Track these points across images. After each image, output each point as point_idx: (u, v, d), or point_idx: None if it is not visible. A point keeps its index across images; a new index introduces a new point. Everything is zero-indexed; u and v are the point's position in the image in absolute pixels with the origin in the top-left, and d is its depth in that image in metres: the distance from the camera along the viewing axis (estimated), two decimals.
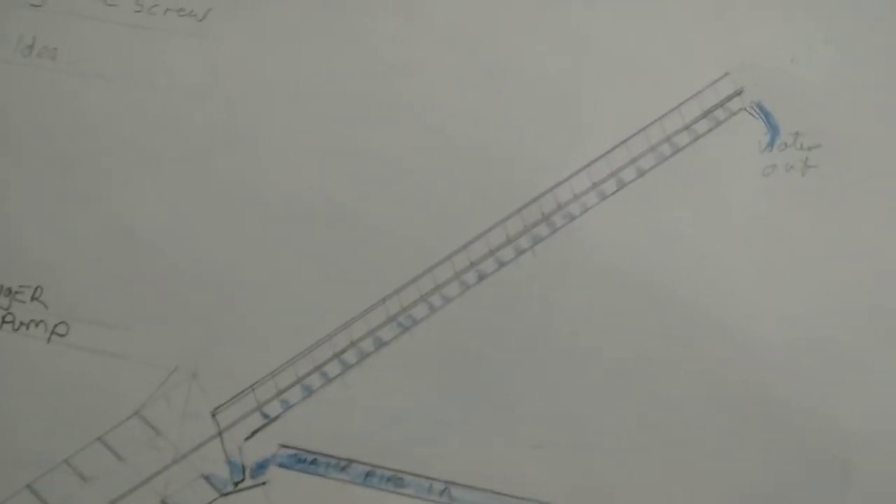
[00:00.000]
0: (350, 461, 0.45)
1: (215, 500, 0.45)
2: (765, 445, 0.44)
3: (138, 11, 0.49)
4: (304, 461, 0.45)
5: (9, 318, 0.47)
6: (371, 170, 0.47)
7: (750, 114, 0.47)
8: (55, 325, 0.47)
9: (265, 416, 0.46)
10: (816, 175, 0.46)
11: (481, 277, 0.46)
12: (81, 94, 0.49)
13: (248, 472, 0.45)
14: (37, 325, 0.47)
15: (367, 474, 0.45)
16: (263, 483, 0.45)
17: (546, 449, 0.45)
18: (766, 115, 0.47)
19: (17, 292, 0.48)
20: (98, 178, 0.48)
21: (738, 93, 0.47)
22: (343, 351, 0.46)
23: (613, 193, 0.47)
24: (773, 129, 0.46)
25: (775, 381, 0.44)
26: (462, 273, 0.46)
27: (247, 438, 0.46)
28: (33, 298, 0.47)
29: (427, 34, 0.48)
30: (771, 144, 0.46)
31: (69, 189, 0.48)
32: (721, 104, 0.47)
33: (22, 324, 0.47)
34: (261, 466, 0.45)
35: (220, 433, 0.45)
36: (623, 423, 0.45)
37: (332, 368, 0.46)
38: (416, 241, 0.47)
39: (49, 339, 0.47)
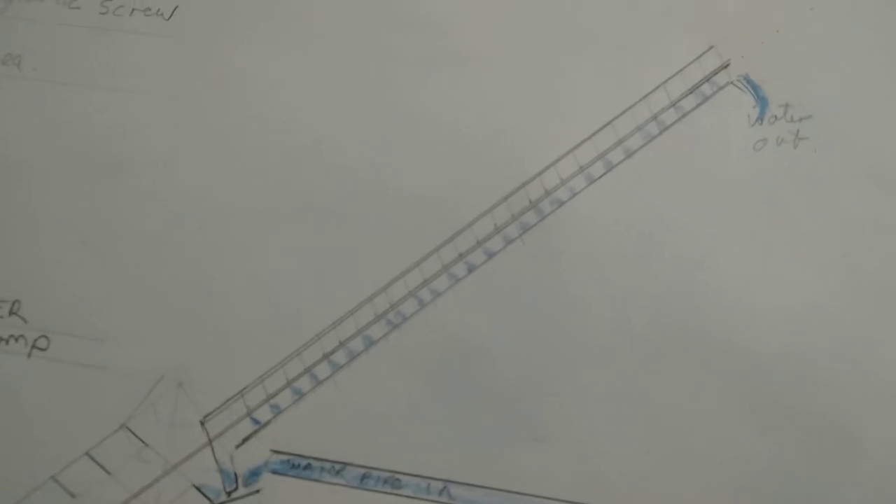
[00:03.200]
0: (345, 464, 0.44)
1: None
2: (768, 426, 0.43)
3: (103, 13, 0.48)
4: (297, 466, 0.44)
5: None
6: (347, 165, 0.46)
7: (737, 87, 0.46)
8: (35, 339, 0.46)
9: (255, 421, 0.45)
10: (808, 147, 0.45)
11: (470, 269, 0.45)
12: (48, 102, 0.48)
13: (240, 481, 0.44)
14: (17, 339, 0.46)
15: (363, 477, 0.44)
16: (257, 491, 0.44)
17: (545, 442, 0.44)
18: (754, 88, 0.45)
19: None
20: (69, 187, 0.47)
21: (725, 66, 0.46)
22: (333, 352, 0.45)
23: (601, 176, 0.46)
24: (762, 102, 0.45)
25: (775, 360, 0.43)
26: (450, 266, 0.45)
27: (238, 446, 0.44)
28: (11, 313, 0.46)
29: (404, 20, 0.47)
30: (760, 118, 0.45)
31: (40, 199, 0.47)
32: (707, 79, 0.46)
33: (1, 339, 0.46)
34: (253, 474, 0.44)
35: (210, 442, 0.44)
36: (621, 412, 0.44)
37: (322, 370, 0.45)
38: (401, 236, 0.45)
39: (30, 354, 0.46)
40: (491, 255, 0.45)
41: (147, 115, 0.47)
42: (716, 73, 0.45)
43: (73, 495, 0.44)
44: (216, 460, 0.44)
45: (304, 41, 0.47)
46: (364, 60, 0.47)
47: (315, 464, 0.44)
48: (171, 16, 0.48)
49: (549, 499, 0.43)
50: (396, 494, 0.44)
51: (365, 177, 0.46)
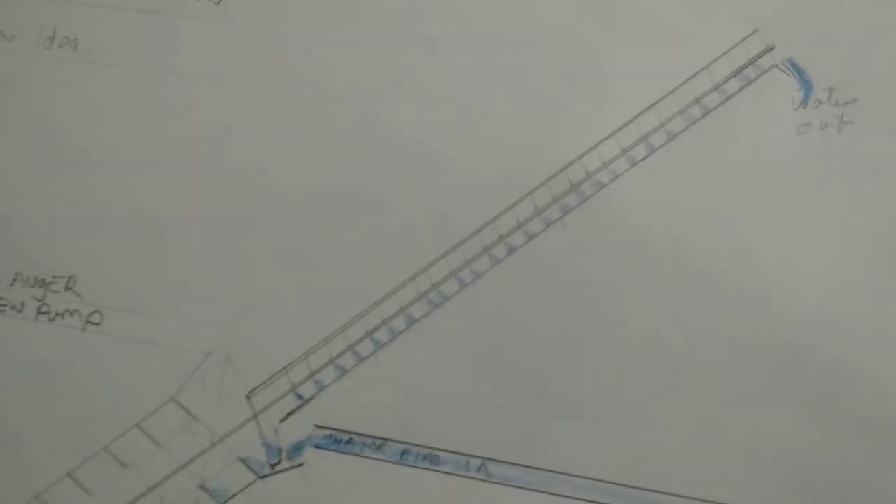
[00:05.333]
0: (385, 440, 0.45)
1: (253, 482, 0.45)
2: (805, 409, 0.43)
3: None
4: (339, 441, 0.45)
5: (44, 309, 0.48)
6: (393, 147, 0.47)
7: (782, 71, 0.45)
8: (89, 315, 0.47)
9: (300, 397, 0.46)
10: (853, 131, 0.45)
11: (511, 251, 0.46)
12: (103, 84, 0.49)
13: (284, 454, 0.45)
14: (71, 314, 0.47)
15: (403, 452, 0.45)
16: (300, 464, 0.45)
17: (582, 421, 0.44)
18: (799, 72, 0.45)
19: (50, 283, 0.48)
20: (123, 167, 0.49)
21: (769, 49, 0.45)
22: (375, 330, 0.46)
23: (643, 159, 0.46)
24: (807, 86, 0.45)
25: (814, 344, 0.43)
26: (491, 247, 0.46)
27: (282, 420, 0.46)
28: (67, 288, 0.48)
29: (446, 6, 0.47)
30: (805, 101, 0.45)
31: (95, 179, 0.48)
32: (751, 62, 0.46)
33: (57, 314, 0.47)
34: (297, 448, 0.45)
35: (255, 416, 0.45)
36: (659, 393, 0.44)
37: (365, 347, 0.46)
38: (443, 217, 0.46)
39: (84, 329, 0.47)
40: (531, 237, 0.46)
41: (199, 98, 0.48)
42: (760, 56, 0.45)
43: (123, 465, 0.45)
44: (261, 434, 0.45)
45: (352, 26, 0.48)
46: (411, 46, 0.48)
47: (357, 439, 0.45)
48: (220, 0, 0.49)
49: (586, 478, 0.43)
50: (435, 470, 0.44)
51: (408, 159, 0.46)
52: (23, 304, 0.48)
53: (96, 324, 0.47)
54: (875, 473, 0.42)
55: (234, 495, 0.45)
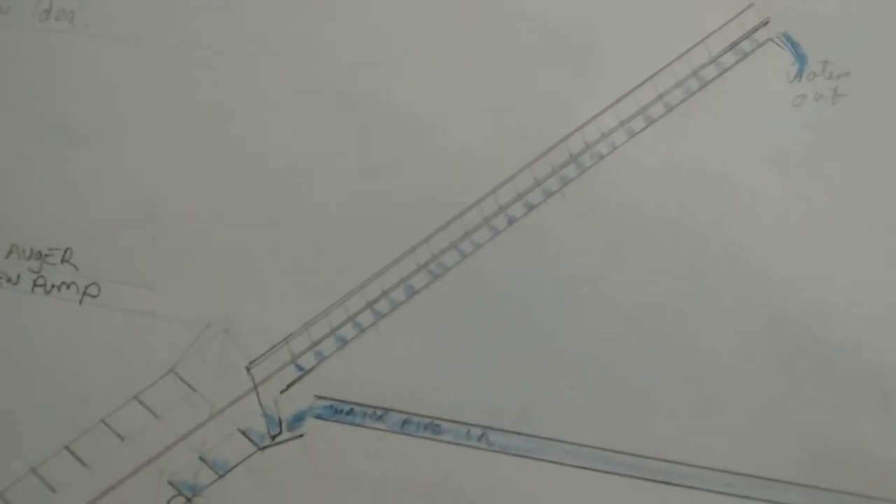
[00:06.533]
0: (386, 410, 0.45)
1: (253, 454, 0.45)
2: (801, 380, 0.43)
3: None
4: (340, 412, 0.45)
5: (40, 282, 0.47)
6: (392, 121, 0.47)
7: (777, 44, 0.46)
8: (86, 287, 0.47)
9: (300, 368, 0.46)
10: (847, 104, 0.45)
11: (510, 222, 0.46)
12: (100, 57, 0.49)
13: (284, 425, 0.45)
14: (68, 286, 0.47)
15: (404, 422, 0.45)
16: (301, 435, 0.45)
17: (582, 390, 0.44)
18: (794, 45, 0.46)
19: (46, 255, 0.48)
20: (121, 140, 0.48)
21: (764, 23, 0.46)
22: (375, 301, 0.46)
23: (641, 131, 0.46)
24: (801, 59, 0.46)
25: (810, 316, 0.44)
26: (491, 218, 0.46)
27: (282, 391, 0.45)
28: (63, 261, 0.47)
29: None
30: (799, 74, 0.46)
31: (91, 151, 0.48)
32: (747, 35, 0.46)
33: (54, 286, 0.47)
34: (297, 419, 0.45)
35: (255, 387, 0.45)
36: (658, 362, 0.44)
37: (365, 318, 0.46)
38: (443, 189, 0.46)
39: (81, 301, 0.47)
40: (531, 208, 0.46)
41: (199, 72, 0.48)
42: (755, 30, 0.46)
43: (121, 437, 0.45)
44: (261, 405, 0.45)
45: (354, 5, 0.48)
46: (410, 24, 0.48)
47: (357, 409, 0.45)
48: None
49: (586, 446, 0.44)
50: (436, 440, 0.44)
51: (408, 131, 0.47)
52: (19, 276, 0.47)
53: (93, 296, 0.47)
54: (864, 437, 0.43)
55: (234, 466, 0.45)
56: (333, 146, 0.47)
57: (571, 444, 0.44)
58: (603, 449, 0.44)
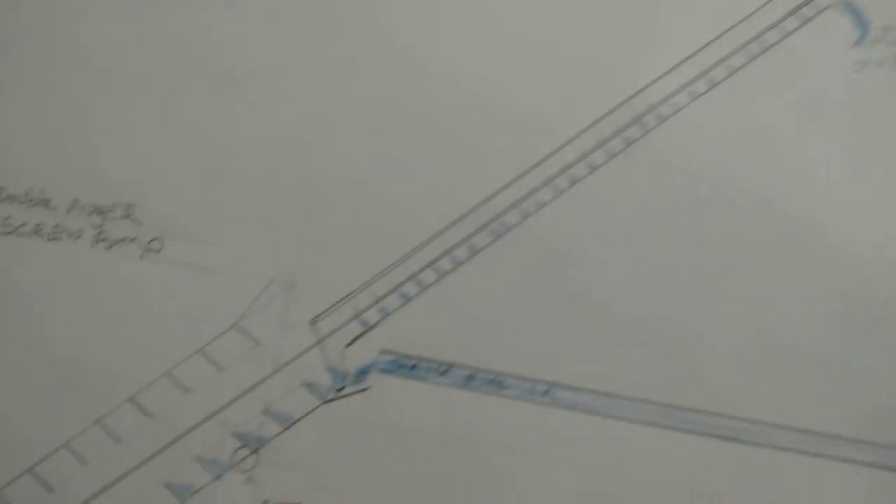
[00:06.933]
0: (451, 365, 0.45)
1: (317, 407, 0.45)
2: (869, 339, 0.44)
3: None
4: (404, 366, 0.45)
5: (102, 237, 0.47)
6: (458, 81, 0.48)
7: (839, 10, 0.47)
8: (148, 242, 0.47)
9: (364, 323, 0.46)
10: None
11: (573, 182, 0.46)
12: (162, 15, 0.49)
13: (349, 379, 0.45)
14: (130, 241, 0.47)
15: (468, 378, 0.45)
16: (365, 389, 0.45)
17: (646, 347, 0.45)
18: (855, 11, 0.47)
19: (108, 210, 0.47)
20: (183, 96, 0.49)
21: None
22: (437, 259, 0.46)
23: (704, 93, 0.47)
24: (863, 25, 0.46)
25: (869, 271, 0.44)
26: (554, 178, 0.46)
27: (347, 346, 0.46)
28: (125, 216, 0.47)
29: None
30: (861, 40, 0.46)
31: (154, 107, 0.48)
32: (809, 1, 0.47)
33: (116, 241, 0.47)
34: (362, 373, 0.45)
35: (320, 341, 0.46)
36: (721, 320, 0.45)
37: (428, 276, 0.46)
38: (506, 149, 0.47)
39: (143, 256, 0.47)
40: (594, 168, 0.46)
41: (258, 29, 0.49)
42: None
43: (186, 390, 0.45)
44: (326, 359, 0.45)
45: None
46: None
47: (422, 364, 0.45)
48: None
49: (652, 402, 0.44)
50: (500, 395, 0.45)
51: (473, 91, 0.47)
52: (80, 231, 0.47)
53: (156, 251, 0.47)
54: None
55: (299, 419, 0.45)
56: (397, 103, 0.47)
57: (635, 399, 0.44)
58: (669, 405, 0.44)
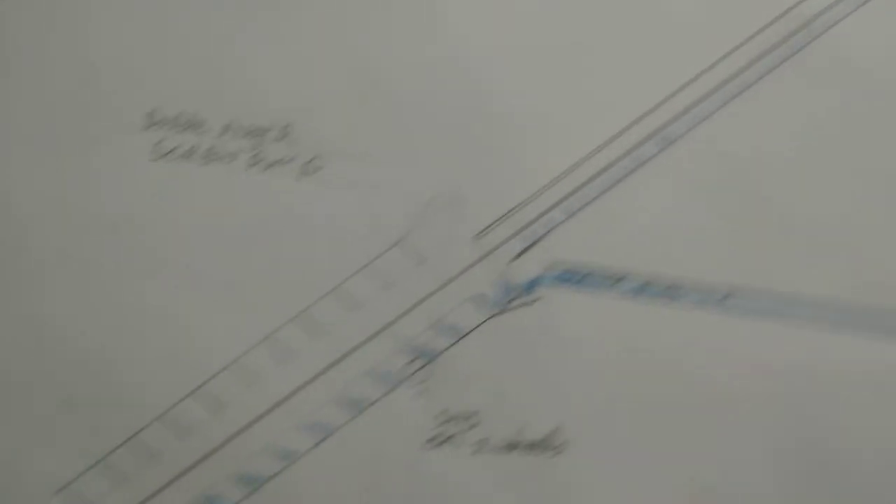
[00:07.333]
0: (622, 276, 0.44)
1: (487, 320, 0.44)
2: None
3: None
4: (574, 278, 0.45)
5: (257, 159, 0.47)
6: None
7: None
8: (307, 162, 0.47)
9: (530, 237, 0.45)
10: None
11: (743, 88, 0.46)
12: None
13: (517, 292, 0.44)
14: (288, 161, 0.47)
15: (641, 287, 0.44)
16: (534, 301, 0.44)
17: (824, 249, 0.44)
18: None
19: (265, 132, 0.47)
20: (339, 15, 0.48)
21: None
22: (604, 170, 0.45)
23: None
24: None
25: None
26: (722, 86, 0.46)
27: (513, 259, 0.45)
28: (282, 137, 0.47)
29: None
30: None
31: (308, 26, 0.48)
32: None
33: (272, 163, 0.47)
34: (530, 285, 0.45)
35: (485, 256, 0.45)
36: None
37: (593, 188, 0.45)
38: (672, 56, 0.46)
39: (299, 178, 0.46)
40: (762, 75, 0.45)
41: None
42: None
43: (355, 306, 0.44)
44: (491, 273, 0.45)
45: None
46: None
47: (592, 275, 0.44)
48: None
49: (833, 303, 0.43)
50: (674, 306, 0.44)
51: (635, 2, 0.46)
52: (234, 154, 0.47)
53: (315, 171, 0.46)
54: None
55: (468, 332, 0.44)
56: (559, 18, 0.47)
57: (816, 302, 0.43)
58: (856, 307, 0.43)
